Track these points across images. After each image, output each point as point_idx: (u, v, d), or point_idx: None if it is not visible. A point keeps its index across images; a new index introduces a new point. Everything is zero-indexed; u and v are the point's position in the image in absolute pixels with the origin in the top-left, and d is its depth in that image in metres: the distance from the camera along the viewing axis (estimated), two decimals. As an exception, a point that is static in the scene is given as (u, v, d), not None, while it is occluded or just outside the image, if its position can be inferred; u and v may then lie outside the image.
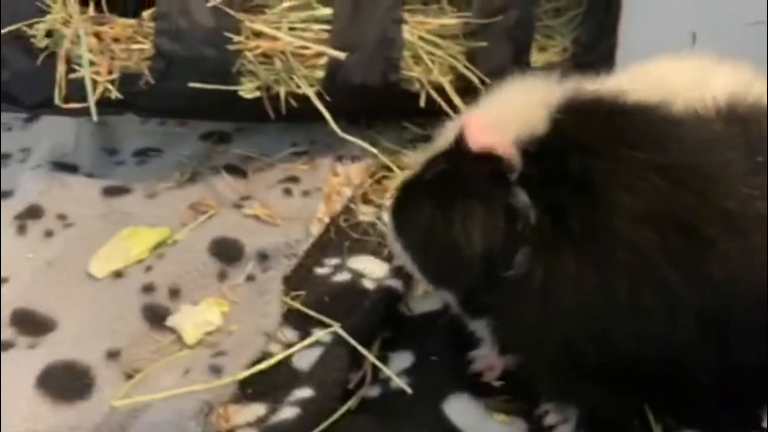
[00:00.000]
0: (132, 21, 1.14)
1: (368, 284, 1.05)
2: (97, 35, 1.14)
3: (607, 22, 1.41)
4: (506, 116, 0.73)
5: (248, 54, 1.14)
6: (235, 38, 1.13)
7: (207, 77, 1.15)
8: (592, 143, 0.69)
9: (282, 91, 1.18)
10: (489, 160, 0.71)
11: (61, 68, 1.12)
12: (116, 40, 1.13)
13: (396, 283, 1.00)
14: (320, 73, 1.20)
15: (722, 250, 0.65)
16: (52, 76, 1.14)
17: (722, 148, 0.70)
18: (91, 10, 1.12)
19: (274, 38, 1.15)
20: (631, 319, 0.67)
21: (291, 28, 1.18)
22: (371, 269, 1.09)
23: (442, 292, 0.82)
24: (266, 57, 1.17)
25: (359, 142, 1.22)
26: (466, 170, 0.73)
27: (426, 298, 1.00)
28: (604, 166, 0.68)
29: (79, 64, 1.12)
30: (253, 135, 1.46)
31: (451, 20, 1.28)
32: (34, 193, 1.21)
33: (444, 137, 0.79)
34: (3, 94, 1.21)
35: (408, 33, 1.24)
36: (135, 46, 1.14)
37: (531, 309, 0.69)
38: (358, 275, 1.08)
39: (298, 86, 1.19)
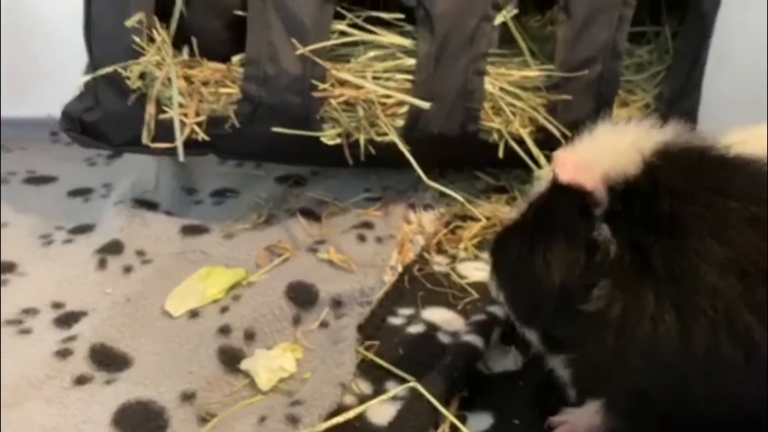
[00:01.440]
0: (221, 65, 1.17)
1: (444, 338, 1.03)
2: (187, 78, 1.17)
3: (691, 78, 1.39)
4: (597, 155, 0.74)
5: (332, 101, 1.15)
6: (321, 86, 1.14)
7: (290, 123, 1.16)
8: (684, 188, 0.70)
9: (362, 138, 1.19)
10: (577, 194, 0.72)
11: (151, 109, 1.15)
12: (205, 83, 1.16)
13: (474, 339, 0.97)
14: (400, 122, 1.20)
15: None
16: (141, 116, 1.17)
17: None
18: (185, 54, 1.15)
19: (358, 87, 1.16)
20: (707, 365, 0.66)
21: (375, 78, 1.19)
22: (446, 322, 1.06)
23: (527, 331, 0.82)
24: (348, 105, 1.18)
25: (444, 188, 1.22)
26: (554, 204, 0.76)
27: (505, 357, 0.97)
28: (695, 210, 0.69)
29: (168, 106, 1.15)
30: (327, 179, 1.47)
31: (533, 72, 1.27)
32: (116, 229, 1.24)
33: (540, 183, 0.81)
34: (94, 132, 1.25)
35: (489, 84, 1.23)
36: (223, 90, 1.16)
37: (605, 344, 0.70)
38: (432, 328, 1.05)
39: (378, 134, 1.20)
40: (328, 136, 1.18)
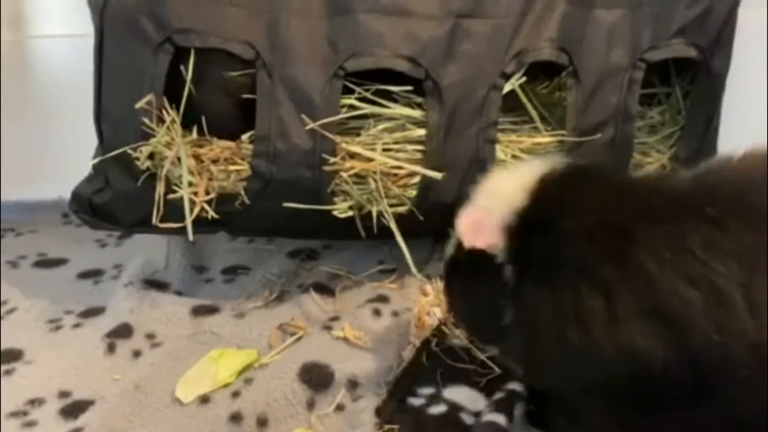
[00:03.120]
0: (230, 143, 1.16)
1: (467, 418, 0.97)
2: (197, 157, 1.16)
3: (706, 138, 1.37)
4: (492, 205, 0.88)
5: (344, 175, 1.14)
6: (331, 159, 1.13)
7: (301, 197, 1.15)
8: (559, 206, 0.83)
9: (374, 209, 1.16)
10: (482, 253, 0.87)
11: (160, 189, 1.14)
12: (215, 161, 1.15)
13: (498, 418, 0.92)
14: (413, 192, 1.18)
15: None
16: (150, 197, 1.16)
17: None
18: (194, 134, 1.15)
19: (368, 159, 1.15)
20: (580, 323, 0.76)
21: (385, 149, 1.17)
22: (469, 400, 1.01)
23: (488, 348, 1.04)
24: (360, 177, 1.17)
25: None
26: (469, 258, 0.89)
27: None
28: (566, 224, 0.81)
29: (178, 185, 1.14)
30: (340, 252, 1.44)
31: (544, 138, 1.26)
32: (126, 312, 1.21)
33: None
34: (104, 214, 1.24)
35: (501, 152, 1.22)
36: (232, 168, 1.15)
37: (522, 348, 0.87)
38: (455, 407, 1.00)
39: (390, 205, 1.18)
40: (340, 209, 1.16)
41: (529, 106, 1.24)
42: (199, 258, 1.45)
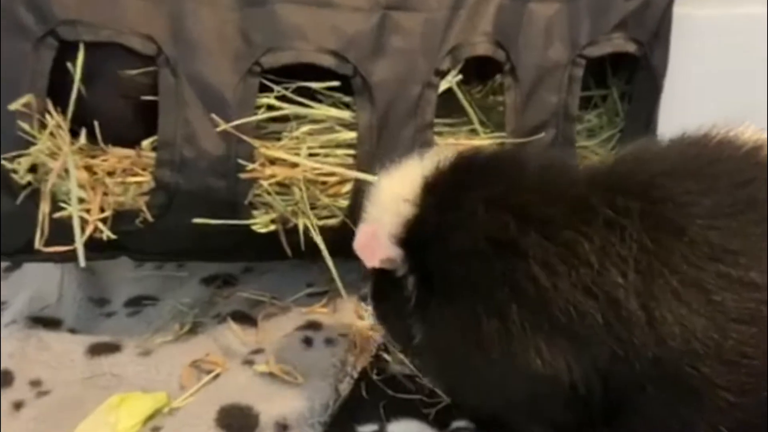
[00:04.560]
0: (129, 151, 1.00)
1: (418, 458, 0.84)
2: (89, 168, 0.99)
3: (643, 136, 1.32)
4: (382, 217, 0.81)
5: (264, 183, 0.99)
6: (249, 166, 0.98)
7: (215, 211, 1.00)
8: (443, 204, 0.77)
9: (301, 223, 1.03)
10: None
11: (45, 207, 0.96)
12: (110, 173, 0.99)
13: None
14: (344, 202, 1.05)
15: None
16: (33, 216, 0.98)
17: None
18: (82, 139, 0.98)
19: (293, 164, 1.01)
20: (479, 347, 0.72)
21: (311, 154, 1.04)
22: (417, 436, 0.88)
23: None
24: (283, 186, 1.03)
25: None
26: (377, 277, 0.86)
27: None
28: (453, 237, 0.75)
29: (66, 201, 0.97)
30: (262, 276, 1.29)
31: (483, 141, 1.16)
32: (5, 356, 1.01)
33: None
34: (-25, 241, 1.05)
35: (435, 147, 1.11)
36: (132, 179, 0.99)
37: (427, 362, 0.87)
38: (402, 445, 0.87)
39: (319, 217, 1.04)
40: (261, 224, 1.01)
41: (467, 105, 1.15)
42: (98, 289, 1.26)
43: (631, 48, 1.20)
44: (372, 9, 1.05)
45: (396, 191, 0.81)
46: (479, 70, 1.47)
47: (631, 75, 1.30)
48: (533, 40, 1.15)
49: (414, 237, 0.78)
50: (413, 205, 0.78)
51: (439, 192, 0.78)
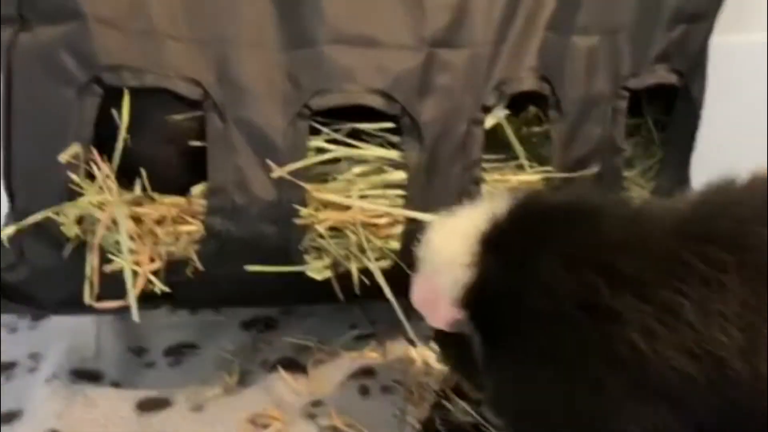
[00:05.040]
0: (179, 199, 0.97)
1: None
2: (135, 217, 0.96)
3: (688, 167, 1.30)
4: (440, 270, 0.76)
5: (318, 227, 0.97)
6: (304, 211, 0.96)
7: (266, 258, 0.97)
8: (515, 259, 0.71)
9: (354, 267, 1.00)
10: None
11: (93, 260, 0.93)
12: (159, 222, 0.96)
13: None
14: (395, 244, 1.02)
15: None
16: (78, 270, 0.94)
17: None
18: (137, 190, 0.95)
19: (345, 207, 0.99)
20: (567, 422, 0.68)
21: (362, 197, 1.02)
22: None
23: None
24: (333, 230, 1.00)
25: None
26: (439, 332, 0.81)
27: None
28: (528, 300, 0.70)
29: (115, 254, 0.94)
30: (303, 318, 1.26)
31: (531, 176, 1.14)
32: (51, 416, 0.97)
33: None
34: (18, 294, 1.01)
35: (487, 192, 1.09)
36: (182, 228, 0.96)
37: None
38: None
39: (370, 260, 1.01)
40: (315, 270, 0.98)
41: (514, 140, 1.13)
42: (135, 338, 1.22)
43: (673, 79, 1.19)
44: (418, 47, 1.03)
45: (453, 245, 0.76)
46: (512, 101, 1.46)
47: (667, 103, 1.29)
48: (577, 73, 1.13)
49: (478, 299, 0.73)
50: (475, 262, 0.73)
51: (503, 247, 0.73)
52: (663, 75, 1.19)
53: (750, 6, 1.38)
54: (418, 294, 0.80)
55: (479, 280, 0.73)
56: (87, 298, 0.92)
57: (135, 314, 0.90)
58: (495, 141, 1.16)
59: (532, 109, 1.27)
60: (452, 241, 0.76)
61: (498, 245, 0.73)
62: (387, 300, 1.02)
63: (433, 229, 0.81)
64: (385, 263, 1.03)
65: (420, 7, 1.03)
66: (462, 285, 0.73)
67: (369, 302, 1.24)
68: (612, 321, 0.64)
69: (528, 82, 1.10)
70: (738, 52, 1.37)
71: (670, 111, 1.28)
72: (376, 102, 1.01)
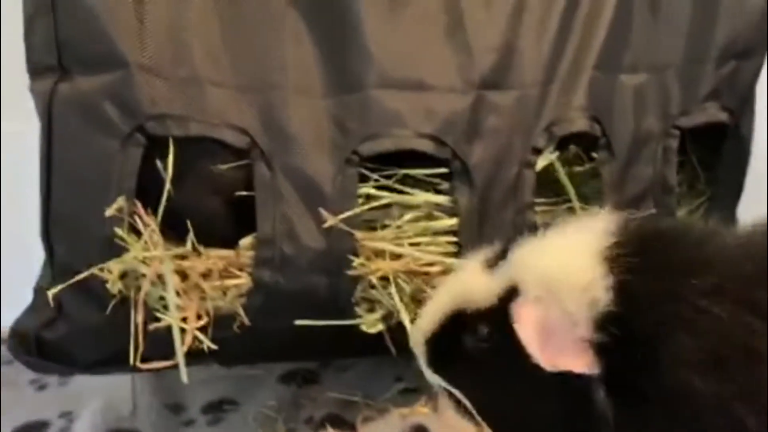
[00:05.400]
0: (225, 252, 0.93)
1: None
2: (180, 272, 0.92)
3: (735, 208, 1.26)
4: (560, 298, 0.64)
5: (371, 278, 0.92)
6: (356, 260, 0.92)
7: (316, 311, 0.92)
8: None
9: (407, 319, 0.95)
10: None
11: (138, 317, 0.88)
12: (205, 275, 0.92)
13: None
14: (446, 294, 0.98)
15: None
16: (120, 328, 0.90)
17: None
18: (188, 245, 0.91)
19: (397, 256, 0.95)
20: None
21: (411, 244, 0.98)
22: None
23: None
24: (382, 280, 0.96)
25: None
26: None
27: None
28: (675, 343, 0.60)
29: (158, 310, 0.90)
30: (343, 373, 1.21)
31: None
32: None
33: None
34: (55, 352, 0.96)
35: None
36: (229, 282, 0.92)
37: None
38: None
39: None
40: (369, 323, 0.94)
41: (567, 183, 1.09)
42: (171, 394, 1.17)
43: (723, 117, 1.16)
44: (466, 89, 1.01)
45: (578, 265, 0.64)
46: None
47: (717, 140, 1.25)
48: (626, 112, 1.11)
49: (613, 338, 0.61)
50: (606, 295, 0.62)
51: (638, 277, 0.62)
52: (713, 113, 1.16)
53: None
54: (525, 321, 0.65)
55: (617, 314, 0.62)
56: (132, 360, 0.87)
57: (184, 375, 0.86)
58: (539, 183, 1.13)
59: (572, 148, 1.24)
60: (573, 261, 0.65)
61: (632, 272, 0.63)
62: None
63: (539, 248, 0.70)
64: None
65: (467, 49, 1.01)
66: (592, 319, 0.62)
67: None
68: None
69: (579, 123, 1.07)
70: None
71: (713, 149, 1.25)
72: (426, 146, 0.98)
